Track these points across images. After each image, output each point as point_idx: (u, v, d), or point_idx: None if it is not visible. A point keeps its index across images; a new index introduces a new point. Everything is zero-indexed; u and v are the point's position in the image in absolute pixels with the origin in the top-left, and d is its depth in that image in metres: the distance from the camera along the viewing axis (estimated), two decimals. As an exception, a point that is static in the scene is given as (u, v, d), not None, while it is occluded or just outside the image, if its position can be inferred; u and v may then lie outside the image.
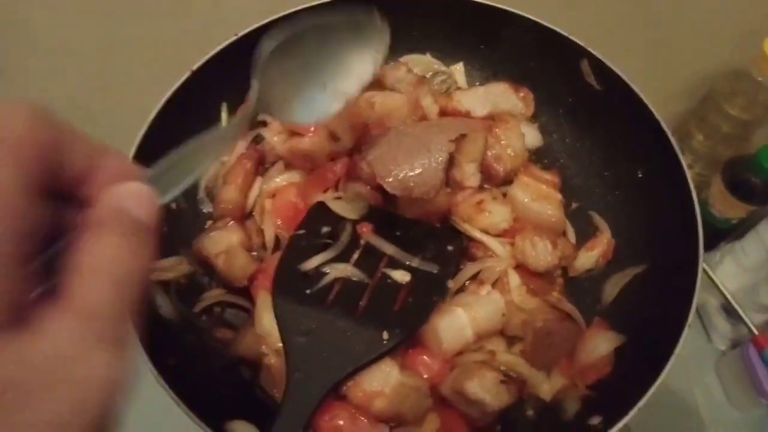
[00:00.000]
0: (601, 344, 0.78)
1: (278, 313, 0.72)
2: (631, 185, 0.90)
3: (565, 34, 0.91)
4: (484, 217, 0.84)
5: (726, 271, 1.26)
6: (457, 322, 0.76)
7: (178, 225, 0.86)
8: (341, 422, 0.70)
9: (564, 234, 0.89)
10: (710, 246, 1.34)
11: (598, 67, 0.90)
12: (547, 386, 0.76)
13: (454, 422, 0.75)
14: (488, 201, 0.85)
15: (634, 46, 1.20)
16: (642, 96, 0.87)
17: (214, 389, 0.75)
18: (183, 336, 0.79)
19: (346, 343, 0.70)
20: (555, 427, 0.76)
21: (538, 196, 0.88)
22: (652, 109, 0.86)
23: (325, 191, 0.86)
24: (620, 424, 0.66)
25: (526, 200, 0.87)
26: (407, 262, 0.79)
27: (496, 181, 0.91)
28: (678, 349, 0.69)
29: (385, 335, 0.71)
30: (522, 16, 0.93)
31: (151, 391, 0.65)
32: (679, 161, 0.82)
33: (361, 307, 0.74)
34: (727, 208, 1.24)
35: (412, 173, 0.79)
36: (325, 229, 0.81)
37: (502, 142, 0.90)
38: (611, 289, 0.85)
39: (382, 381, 0.70)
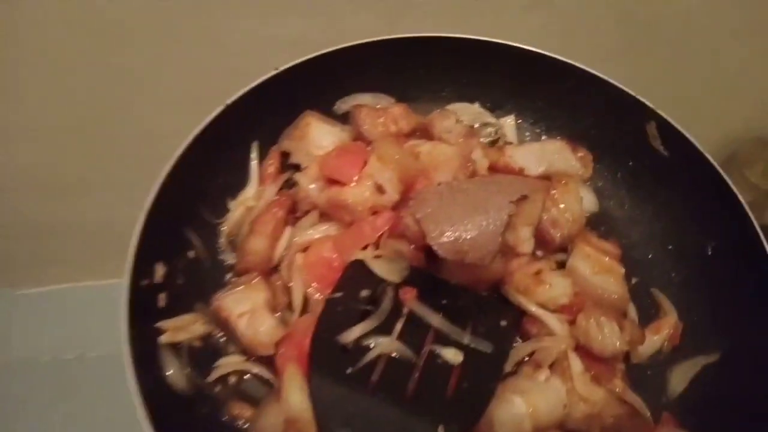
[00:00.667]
0: (673, 446, 0.68)
1: (316, 396, 0.61)
2: (699, 260, 0.82)
3: (632, 93, 0.84)
4: (543, 290, 0.75)
5: None
6: (514, 413, 0.66)
7: (195, 277, 0.76)
8: None
9: (626, 314, 0.80)
10: None
11: (667, 130, 0.83)
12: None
13: None
14: (547, 271, 0.77)
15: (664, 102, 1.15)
16: (716, 165, 0.79)
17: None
18: (194, 409, 0.68)
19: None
20: None
21: (601, 269, 0.79)
22: (727, 179, 0.78)
23: (364, 248, 0.76)
24: None
25: (587, 272, 0.78)
26: (457, 338, 0.69)
27: (551, 247, 0.82)
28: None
29: (441, 430, 0.60)
30: (585, 71, 0.86)
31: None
32: (758, 235, 0.74)
33: (410, 391, 0.63)
34: None
35: (466, 235, 0.70)
36: (363, 293, 0.71)
37: (561, 206, 0.82)
38: (679, 379, 0.76)
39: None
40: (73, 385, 1.18)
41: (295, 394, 0.64)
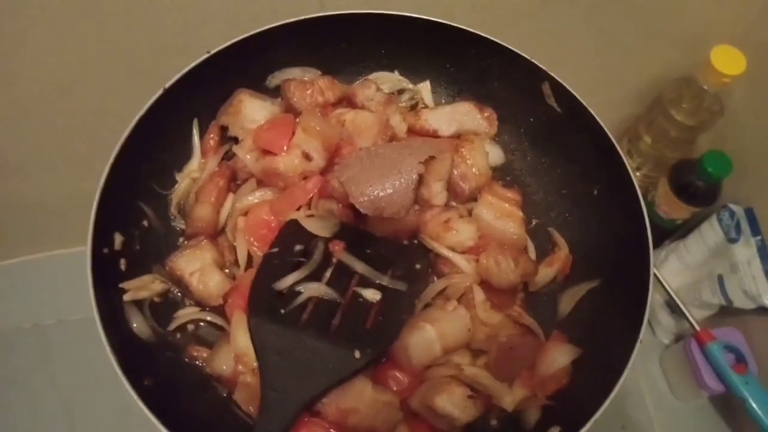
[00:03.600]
0: (559, 357, 0.83)
1: (254, 333, 0.74)
2: (588, 202, 0.95)
3: (527, 56, 0.95)
4: (452, 236, 0.88)
5: (670, 269, 1.34)
6: (425, 338, 0.80)
7: (150, 242, 0.87)
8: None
9: (525, 250, 0.93)
10: (656, 245, 1.42)
11: (559, 89, 0.95)
12: (509, 397, 0.81)
13: (423, 434, 0.78)
14: (455, 219, 0.89)
15: (586, 53, 1.25)
16: (599, 119, 0.91)
17: (191, 407, 0.77)
18: (159, 355, 0.80)
19: (320, 362, 0.73)
20: (517, 436, 0.80)
21: (502, 214, 0.92)
22: (607, 131, 0.90)
23: (297, 209, 0.88)
24: (578, 435, 0.71)
25: (490, 218, 0.91)
26: (377, 281, 0.82)
27: (461, 198, 0.95)
28: (630, 364, 0.74)
29: (357, 354, 0.74)
30: (487, 39, 0.96)
31: (130, 409, 0.67)
32: (631, 179, 0.87)
33: (334, 326, 0.76)
34: (673, 209, 1.30)
35: (383, 194, 0.82)
36: (298, 247, 0.83)
37: (468, 162, 0.94)
38: (566, 302, 0.90)
39: (356, 398, 0.73)
40: (55, 347, 1.25)
41: (242, 335, 0.77)
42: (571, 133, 0.96)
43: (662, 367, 1.35)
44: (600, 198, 0.94)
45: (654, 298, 1.34)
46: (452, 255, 0.88)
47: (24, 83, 1.04)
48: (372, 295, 0.80)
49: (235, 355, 0.76)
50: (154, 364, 0.79)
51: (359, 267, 0.82)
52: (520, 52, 0.95)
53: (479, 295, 0.85)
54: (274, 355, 0.72)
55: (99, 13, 0.96)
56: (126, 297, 0.80)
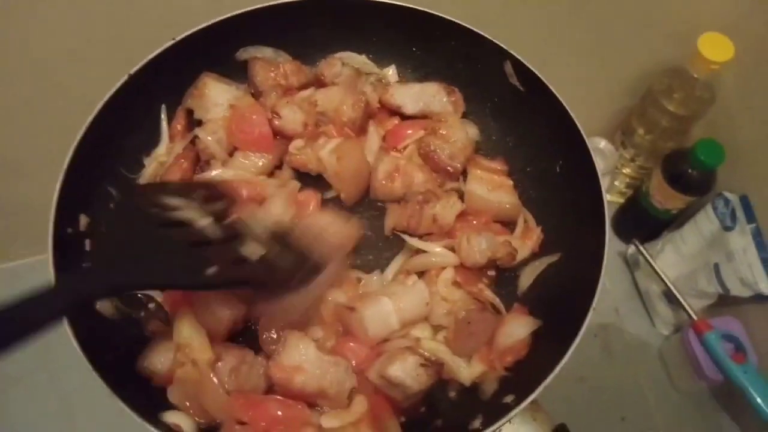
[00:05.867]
0: (518, 329, 0.84)
1: (116, 209, 0.75)
2: (550, 180, 0.96)
3: (489, 37, 0.96)
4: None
5: (667, 259, 1.34)
6: (382, 310, 0.81)
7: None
8: (279, 413, 0.74)
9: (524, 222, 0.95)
10: (652, 236, 1.43)
11: (520, 68, 0.96)
12: (466, 372, 0.82)
13: (381, 405, 0.79)
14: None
15: (576, 45, 1.27)
16: (558, 95, 0.92)
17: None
18: (123, 331, 0.82)
19: (168, 260, 0.69)
20: (474, 406, 0.81)
21: (493, 186, 0.93)
22: (567, 108, 0.91)
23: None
24: (528, 401, 0.72)
25: (483, 193, 0.92)
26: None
27: (455, 175, 0.96)
28: (582, 331, 0.75)
29: (212, 270, 0.69)
30: (449, 21, 0.97)
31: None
32: (590, 156, 0.88)
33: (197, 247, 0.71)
34: (667, 199, 1.30)
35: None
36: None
37: (451, 140, 0.95)
38: (528, 276, 0.91)
39: (299, 356, 0.74)
40: (55, 347, 1.22)
41: (186, 325, 0.77)
42: (534, 110, 0.97)
43: (661, 358, 1.35)
44: (562, 174, 0.95)
45: (651, 288, 1.37)
46: (436, 250, 0.89)
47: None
48: (253, 249, 0.73)
49: (177, 345, 0.76)
50: (120, 340, 0.81)
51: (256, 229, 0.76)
52: (482, 33, 0.97)
53: (447, 273, 0.86)
54: (122, 231, 0.70)
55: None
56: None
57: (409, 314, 0.82)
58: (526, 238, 0.94)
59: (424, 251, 0.89)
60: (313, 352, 0.74)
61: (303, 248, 0.78)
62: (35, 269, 1.34)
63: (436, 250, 0.89)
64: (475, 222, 0.92)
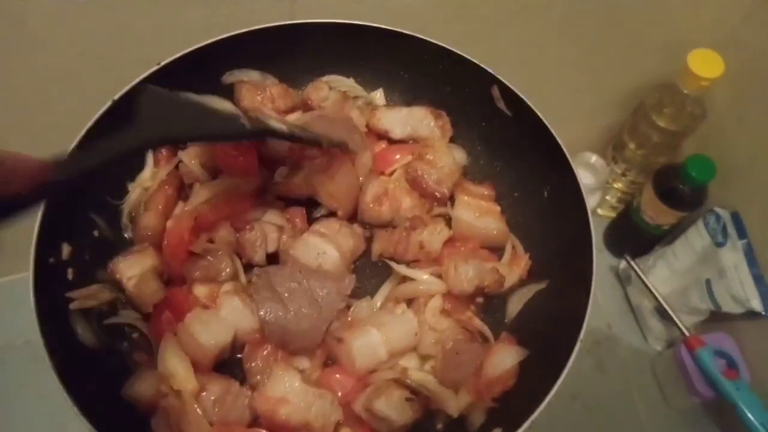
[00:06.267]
0: (506, 359, 0.83)
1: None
2: (538, 206, 0.96)
3: (476, 61, 0.96)
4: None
5: (658, 275, 1.33)
6: (370, 342, 0.80)
7: (101, 253, 0.87)
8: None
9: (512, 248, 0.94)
10: (644, 251, 1.42)
11: (507, 92, 0.95)
12: (454, 403, 0.80)
13: (366, 438, 0.78)
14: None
15: (567, 60, 1.27)
16: (545, 120, 0.92)
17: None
18: (105, 362, 0.81)
19: (206, 116, 0.76)
20: (462, 438, 0.80)
21: (481, 212, 0.93)
22: (554, 133, 0.91)
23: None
24: (516, 435, 0.71)
25: (470, 219, 0.92)
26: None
27: (443, 200, 0.95)
28: (570, 363, 0.74)
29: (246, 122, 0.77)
30: (437, 45, 0.97)
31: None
32: (577, 183, 0.87)
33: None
34: (659, 214, 1.30)
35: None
36: None
37: (439, 165, 0.94)
38: (515, 304, 0.91)
39: (284, 388, 0.74)
40: (47, 363, 1.24)
41: (170, 356, 0.77)
42: (521, 135, 0.96)
43: (654, 374, 1.35)
44: (550, 199, 0.95)
45: (643, 304, 1.36)
46: (423, 278, 0.88)
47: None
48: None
49: (161, 375, 0.76)
50: (101, 371, 0.80)
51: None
52: (469, 57, 0.96)
53: (435, 302, 0.85)
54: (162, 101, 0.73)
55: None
56: (73, 306, 0.81)
57: (398, 345, 0.81)
58: (514, 265, 0.93)
59: (411, 279, 0.88)
60: (299, 383, 0.74)
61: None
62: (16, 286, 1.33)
63: (424, 277, 0.88)
64: (462, 248, 0.91)
